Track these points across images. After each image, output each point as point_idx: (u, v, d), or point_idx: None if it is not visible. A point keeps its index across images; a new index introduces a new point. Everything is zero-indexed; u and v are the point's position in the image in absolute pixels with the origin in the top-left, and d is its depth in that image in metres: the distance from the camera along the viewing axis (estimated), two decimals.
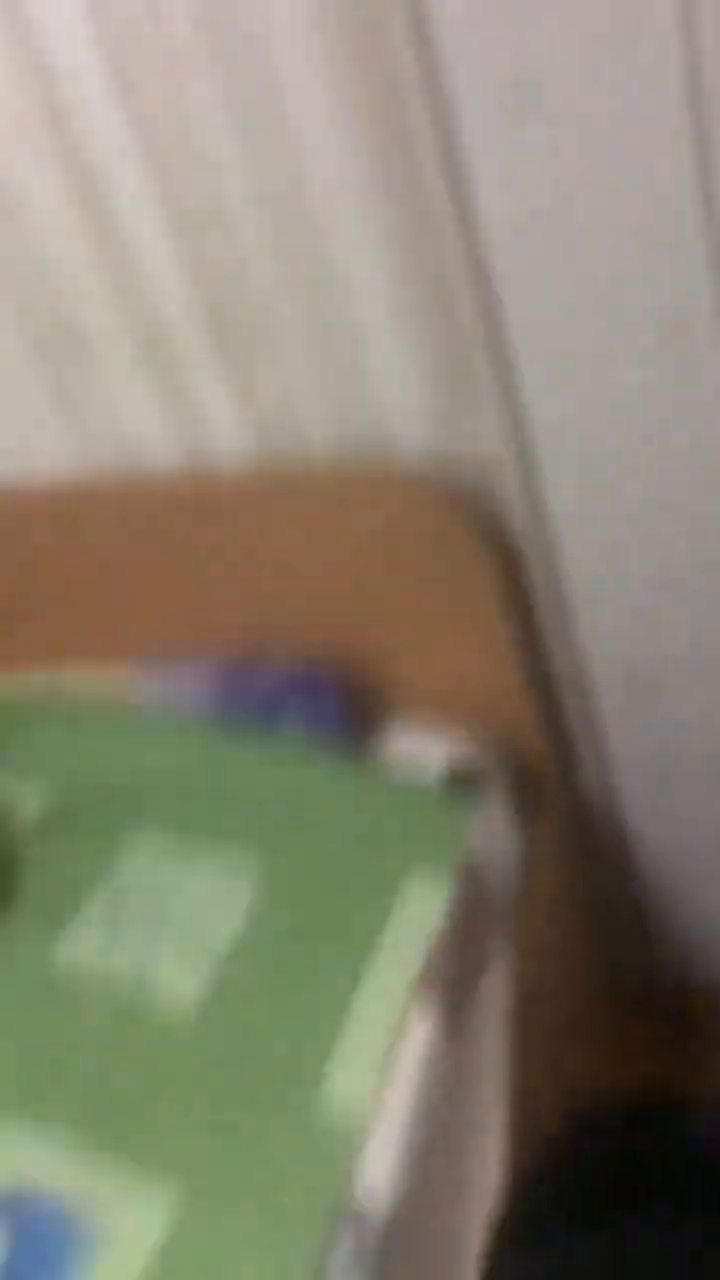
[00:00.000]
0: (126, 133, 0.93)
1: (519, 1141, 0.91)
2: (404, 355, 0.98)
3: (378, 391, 1.01)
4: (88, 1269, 0.77)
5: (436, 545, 1.02)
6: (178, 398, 1.07)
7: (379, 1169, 0.80)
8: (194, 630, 1.13)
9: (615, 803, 1.21)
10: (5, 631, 1.19)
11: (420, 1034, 0.86)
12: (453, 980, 0.90)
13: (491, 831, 1.03)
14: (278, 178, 0.92)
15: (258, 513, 1.06)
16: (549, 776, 1.13)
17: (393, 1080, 0.84)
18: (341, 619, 1.08)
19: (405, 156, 0.89)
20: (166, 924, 0.96)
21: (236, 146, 0.91)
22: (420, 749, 1.08)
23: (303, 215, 0.93)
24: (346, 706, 1.09)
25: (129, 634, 1.16)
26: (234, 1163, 0.81)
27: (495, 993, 0.95)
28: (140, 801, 1.07)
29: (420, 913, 0.93)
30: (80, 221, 0.99)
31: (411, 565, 1.04)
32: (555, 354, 0.95)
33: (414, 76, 0.84)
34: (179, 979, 0.92)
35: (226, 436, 1.07)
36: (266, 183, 0.93)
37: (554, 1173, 0.92)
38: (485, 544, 1.03)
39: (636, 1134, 0.98)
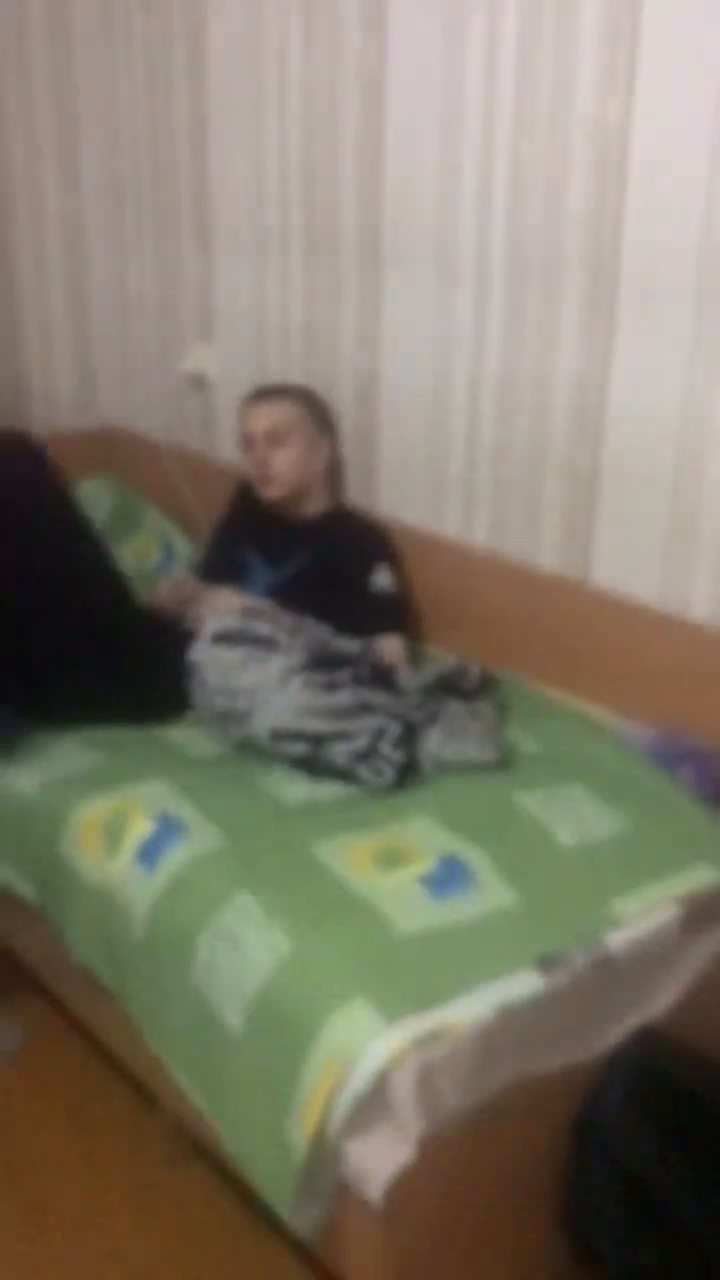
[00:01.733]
0: None
1: None
2: None
3: None
4: None
5: None
6: None
7: None
8: (659, 707, 1.98)
9: None
10: (573, 670, 2.13)
11: None
12: None
13: None
14: None
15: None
16: None
17: None
18: None
19: None
20: (551, 821, 1.80)
21: None
22: None
23: None
24: (717, 786, 1.88)
25: (630, 696, 2.03)
26: None
27: None
28: (572, 765, 1.92)
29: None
30: None
31: None
32: None
33: None
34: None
35: None
36: None
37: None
38: None
39: None
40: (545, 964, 1.50)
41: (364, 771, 1.89)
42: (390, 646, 2.25)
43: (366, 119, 2.27)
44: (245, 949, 1.55)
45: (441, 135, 2.14)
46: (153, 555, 2.90)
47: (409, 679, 2.10)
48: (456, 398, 2.26)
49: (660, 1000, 1.59)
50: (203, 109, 2.66)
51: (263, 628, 2.08)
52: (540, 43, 1.94)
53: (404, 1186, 1.36)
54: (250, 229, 2.61)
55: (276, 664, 2.01)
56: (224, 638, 2.07)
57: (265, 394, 2.46)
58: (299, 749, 1.92)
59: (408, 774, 1.89)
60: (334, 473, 2.50)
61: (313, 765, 1.92)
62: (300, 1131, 1.41)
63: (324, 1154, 1.40)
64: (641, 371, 1.93)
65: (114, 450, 3.08)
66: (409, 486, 2.41)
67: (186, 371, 2.89)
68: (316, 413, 2.47)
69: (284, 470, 2.42)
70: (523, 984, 1.47)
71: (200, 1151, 1.81)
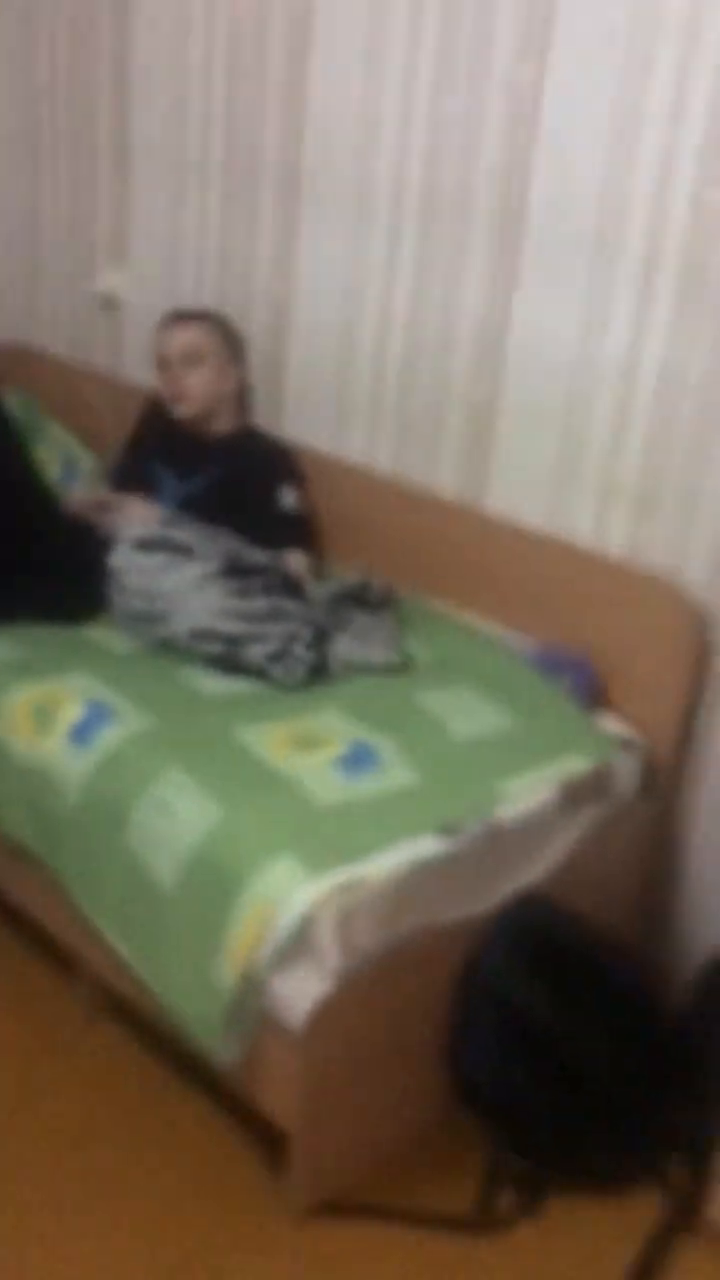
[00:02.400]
0: None
1: None
2: None
3: None
4: None
5: (667, 639, 2.04)
6: None
7: None
8: (544, 622, 2.20)
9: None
10: (467, 589, 2.33)
11: None
12: None
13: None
14: None
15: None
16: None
17: None
18: (614, 658, 2.13)
19: None
20: (446, 716, 2.01)
21: None
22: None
23: None
24: (593, 690, 2.11)
25: (518, 612, 2.25)
26: None
27: None
28: (464, 670, 2.13)
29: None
30: None
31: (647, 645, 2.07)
32: None
33: None
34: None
35: None
36: None
37: None
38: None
39: None
40: (445, 830, 1.71)
41: (277, 670, 2.05)
42: (295, 561, 2.41)
43: (291, 59, 2.39)
44: (178, 815, 1.71)
45: (364, 85, 2.27)
46: (54, 469, 2.97)
47: (316, 590, 2.26)
48: (365, 330, 2.42)
49: (540, 867, 1.83)
50: (127, 33, 2.72)
51: (181, 535, 2.21)
52: (462, 9, 2.10)
53: (322, 1016, 1.56)
54: (169, 154, 2.70)
55: (193, 569, 2.15)
56: (144, 544, 2.20)
57: (181, 317, 2.57)
58: (216, 648, 2.07)
59: (318, 674, 2.07)
60: (243, 395, 2.63)
61: (228, 663, 2.07)
62: (230, 970, 1.59)
63: (251, 989, 1.58)
64: (540, 315, 2.13)
65: (15, 366, 3.12)
66: (316, 412, 2.56)
67: (97, 292, 2.96)
68: (229, 337, 2.59)
69: (196, 391, 2.53)
70: (427, 846, 1.68)
71: (118, 1010, 1.97)
